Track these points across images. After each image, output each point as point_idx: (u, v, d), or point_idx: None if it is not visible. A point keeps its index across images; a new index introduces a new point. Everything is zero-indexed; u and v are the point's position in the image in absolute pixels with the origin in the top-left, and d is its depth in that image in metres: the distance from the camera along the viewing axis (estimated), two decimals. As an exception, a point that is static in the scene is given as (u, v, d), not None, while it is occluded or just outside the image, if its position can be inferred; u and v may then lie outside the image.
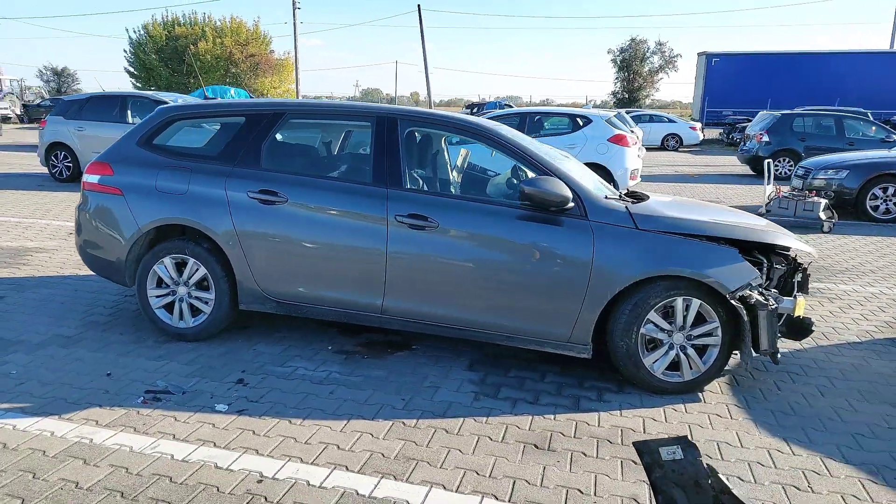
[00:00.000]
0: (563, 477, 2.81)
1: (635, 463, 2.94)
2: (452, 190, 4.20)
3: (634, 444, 3.10)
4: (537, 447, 3.05)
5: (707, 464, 2.91)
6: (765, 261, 3.90)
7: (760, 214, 9.42)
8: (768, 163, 10.13)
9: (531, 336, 3.76)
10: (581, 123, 10.62)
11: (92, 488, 2.61)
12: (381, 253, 3.81)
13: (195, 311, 4.17)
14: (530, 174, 3.88)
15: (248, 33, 43.39)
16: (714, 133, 30.92)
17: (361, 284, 3.89)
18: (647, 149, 25.43)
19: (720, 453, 3.06)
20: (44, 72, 42.75)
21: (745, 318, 3.54)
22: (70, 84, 52.36)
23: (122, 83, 41.85)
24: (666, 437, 3.18)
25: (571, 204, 3.67)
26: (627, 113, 25.80)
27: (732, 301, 3.51)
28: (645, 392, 3.67)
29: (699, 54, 33.55)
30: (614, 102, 54.39)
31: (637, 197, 4.31)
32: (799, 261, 4.10)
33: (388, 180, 3.89)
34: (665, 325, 3.63)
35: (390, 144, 3.95)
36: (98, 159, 4.32)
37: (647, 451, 3.03)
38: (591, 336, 3.68)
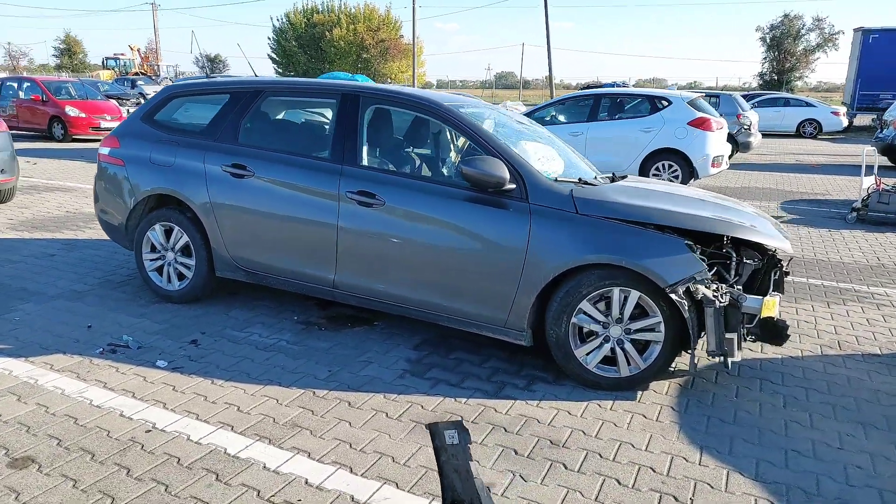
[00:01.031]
0: (431, 458, 2.78)
1: (515, 452, 2.84)
2: (407, 169, 4.19)
3: (427, 426, 3.01)
4: (427, 428, 3.03)
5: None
6: (734, 256, 3.56)
7: (854, 210, 8.44)
8: (869, 150, 9.02)
9: (470, 319, 3.70)
10: (660, 105, 10.02)
11: (8, 421, 2.95)
12: (333, 228, 3.91)
13: (181, 276, 4.51)
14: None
15: (380, 19, 44.89)
16: (867, 119, 27.74)
17: (316, 258, 4.02)
18: (780, 136, 23.44)
19: (615, 454, 2.87)
20: (199, 58, 47.18)
21: (687, 315, 3.26)
22: (221, 70, 57.14)
23: (266, 69, 44.93)
24: (449, 419, 3.06)
25: (511, 186, 3.55)
26: (751, 97, 23.91)
27: (672, 295, 3.25)
28: (580, 385, 3.50)
29: (855, 30, 30.00)
30: (759, 84, 50.34)
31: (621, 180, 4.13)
32: (777, 258, 3.71)
33: (345, 157, 3.97)
34: (599, 317, 3.44)
35: (351, 121, 4.03)
36: (111, 133, 4.78)
37: (436, 433, 2.93)
38: (528, 323, 3.56)
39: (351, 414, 3.13)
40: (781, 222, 8.04)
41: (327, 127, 4.21)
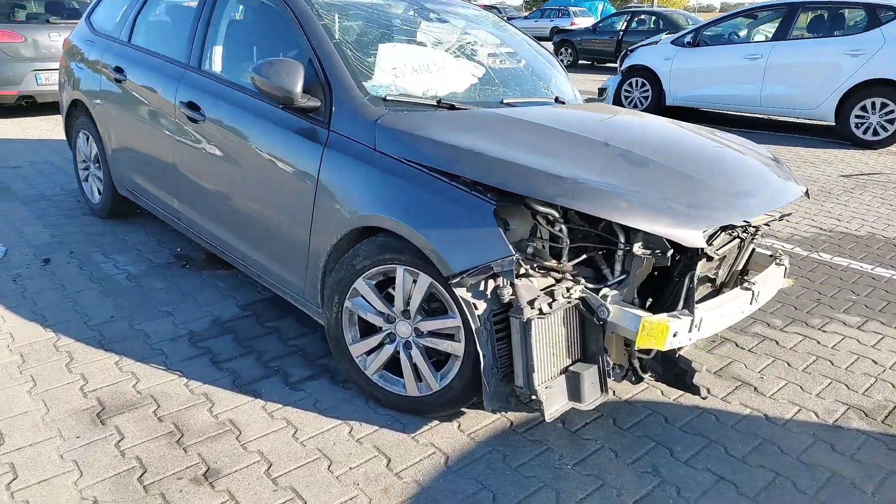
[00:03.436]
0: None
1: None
2: (243, 77, 3.20)
3: None
4: (101, 407, 2.31)
5: None
6: (622, 243, 2.13)
7: None
8: None
9: (274, 280, 2.80)
10: (882, 18, 7.21)
11: None
12: (171, 146, 3.24)
13: (101, 190, 4.22)
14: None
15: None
16: None
17: (164, 182, 3.39)
18: None
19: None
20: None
21: (477, 324, 2.01)
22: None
23: None
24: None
25: (312, 103, 2.49)
26: None
27: (457, 290, 2.01)
28: (363, 395, 2.45)
29: None
30: None
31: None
32: (692, 257, 2.15)
33: (190, 58, 3.22)
34: (380, 304, 2.31)
35: (206, 14, 3.23)
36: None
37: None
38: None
39: (43, 357, 2.52)
40: None
41: (192, 24, 3.44)
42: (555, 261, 2.11)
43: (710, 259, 2.15)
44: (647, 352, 2.21)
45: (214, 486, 1.98)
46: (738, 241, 2.38)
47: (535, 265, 2.08)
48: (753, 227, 2.53)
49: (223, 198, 2.95)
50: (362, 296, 2.32)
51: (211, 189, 3.02)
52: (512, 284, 2.01)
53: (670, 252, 2.07)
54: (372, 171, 2.29)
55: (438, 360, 2.28)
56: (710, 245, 2.14)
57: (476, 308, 2.01)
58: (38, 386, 2.44)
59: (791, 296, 3.52)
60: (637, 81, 9.53)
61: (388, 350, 2.32)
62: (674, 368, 2.29)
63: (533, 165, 2.08)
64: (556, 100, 3.06)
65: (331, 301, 2.40)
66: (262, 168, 2.68)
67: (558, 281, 2.11)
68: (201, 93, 3.03)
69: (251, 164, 2.74)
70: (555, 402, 2.08)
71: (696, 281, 2.12)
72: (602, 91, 10.10)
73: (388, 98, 2.51)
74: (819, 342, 3.02)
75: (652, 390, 2.56)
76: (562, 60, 17.43)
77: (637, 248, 2.09)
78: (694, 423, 2.38)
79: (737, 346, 2.96)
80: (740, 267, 2.67)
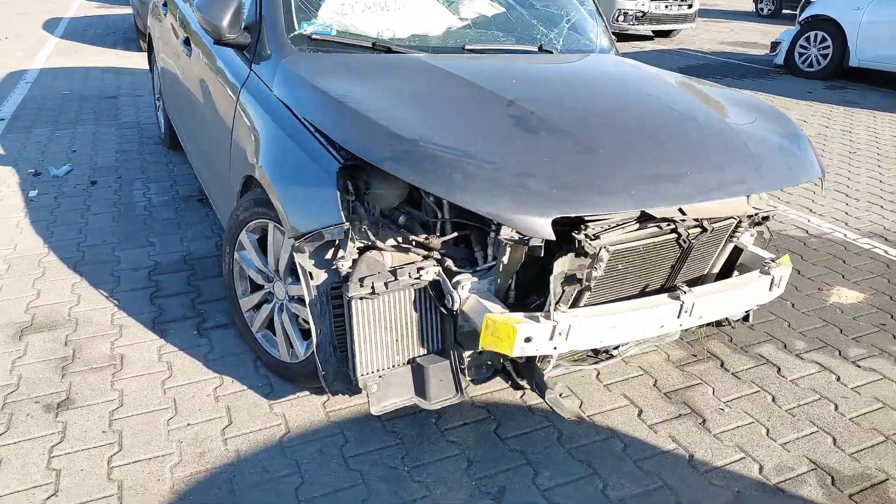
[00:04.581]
0: (-54, 360, 2.30)
1: None
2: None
3: None
4: (30, 324, 2.49)
5: None
6: (493, 225, 1.80)
7: None
8: None
9: (221, 219, 2.80)
10: None
11: None
12: (179, 82, 3.34)
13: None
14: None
15: None
16: None
17: (177, 114, 3.52)
18: None
19: (69, 454, 1.90)
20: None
21: (308, 292, 1.82)
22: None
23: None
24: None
25: (237, 38, 2.38)
26: None
27: (296, 256, 1.83)
28: (253, 352, 2.37)
29: None
30: None
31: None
32: (603, 249, 1.72)
33: (197, -5, 3.24)
34: (258, 262, 2.19)
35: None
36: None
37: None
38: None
39: None
40: None
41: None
42: (426, 236, 1.83)
43: (585, 254, 1.72)
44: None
45: (58, 416, 2.04)
46: (674, 236, 1.89)
47: (404, 238, 1.83)
48: (722, 219, 2.00)
49: (195, 132, 3.00)
50: (246, 249, 2.22)
51: (191, 124, 3.08)
52: (359, 257, 1.78)
53: (540, 241, 1.69)
54: (266, 117, 2.14)
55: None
56: (587, 236, 1.70)
57: (313, 278, 1.81)
58: (-2, 295, 2.69)
59: (851, 314, 2.80)
60: (816, 36, 8.09)
61: (266, 310, 2.21)
62: (532, 378, 1.92)
63: (384, 122, 1.79)
64: (541, 48, 2.63)
65: (225, 250, 2.33)
66: (211, 106, 2.65)
67: (425, 258, 1.83)
68: (193, 29, 3.05)
69: (206, 101, 2.73)
70: (391, 395, 1.85)
71: (558, 279, 1.72)
72: (774, 46, 8.74)
73: (314, 37, 2.31)
74: (839, 379, 2.37)
75: (579, 400, 2.18)
76: (761, 10, 15.39)
77: (503, 232, 1.73)
78: (590, 448, 1.99)
79: (721, 365, 2.43)
80: (705, 269, 2.15)
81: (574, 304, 1.85)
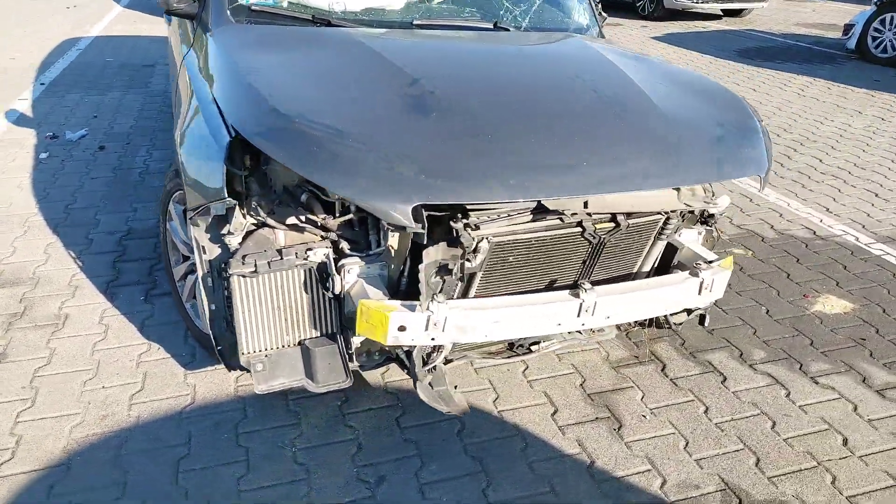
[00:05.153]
0: (-89, 309, 2.46)
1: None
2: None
3: None
4: None
5: None
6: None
7: None
8: None
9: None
10: None
11: None
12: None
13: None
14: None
15: None
16: None
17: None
18: None
19: (-16, 407, 2.00)
20: None
21: (200, 267, 1.83)
22: None
23: None
24: None
25: (183, 7, 2.40)
26: None
27: (190, 228, 1.84)
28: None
29: None
30: None
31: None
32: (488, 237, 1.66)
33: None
34: (182, 233, 2.21)
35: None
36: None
37: None
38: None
39: (-2, 245, 2.92)
40: None
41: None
42: (324, 217, 1.80)
43: (458, 245, 1.63)
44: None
45: (-13, 369, 2.15)
46: (578, 230, 1.77)
47: (301, 217, 1.80)
48: (645, 214, 1.87)
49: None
50: (174, 220, 2.25)
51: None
52: (249, 233, 1.77)
53: (418, 227, 1.62)
54: (189, 89, 2.17)
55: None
56: (466, 226, 1.62)
57: (206, 252, 1.82)
58: (-24, 251, 2.85)
59: (830, 325, 2.58)
60: (892, 18, 7.43)
61: (191, 280, 2.24)
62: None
63: (270, 97, 1.75)
64: (496, 26, 2.51)
65: (159, 219, 2.37)
66: (173, 77, 2.70)
67: (323, 239, 1.80)
68: None
69: (171, 73, 2.77)
70: (279, 376, 1.84)
71: (429, 268, 1.65)
72: (847, 29, 8.11)
73: (253, 8, 2.30)
74: (788, 395, 2.20)
75: (488, 392, 2.12)
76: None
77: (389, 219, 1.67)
78: (489, 445, 1.93)
79: (661, 369, 2.29)
80: (633, 267, 2.02)
81: (465, 295, 1.78)
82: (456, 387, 1.99)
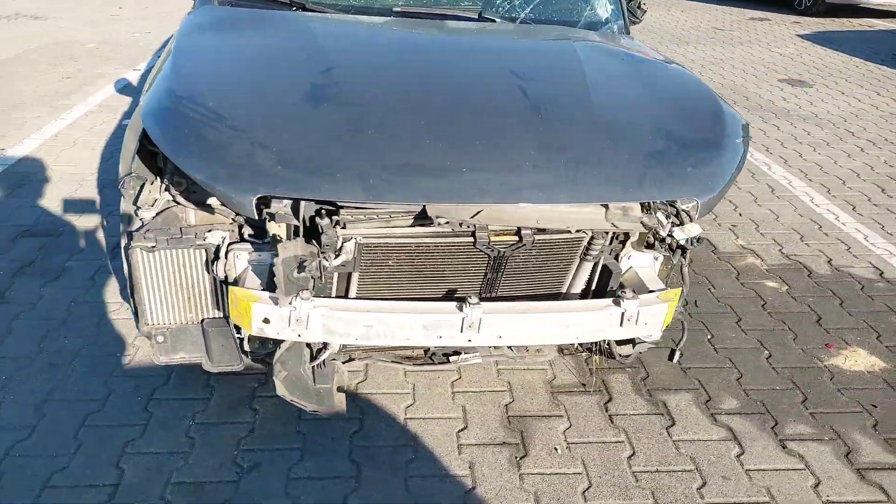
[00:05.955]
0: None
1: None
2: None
3: None
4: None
5: None
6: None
7: None
8: None
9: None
10: None
11: None
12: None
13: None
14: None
15: None
16: None
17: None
18: None
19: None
20: None
21: (123, 237, 1.93)
22: None
23: None
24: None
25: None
26: None
27: (122, 196, 1.95)
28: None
29: None
30: None
31: None
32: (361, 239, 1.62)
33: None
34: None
35: None
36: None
37: None
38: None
39: None
40: None
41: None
42: None
43: (318, 241, 1.57)
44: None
45: (-17, 307, 2.42)
46: (469, 240, 1.64)
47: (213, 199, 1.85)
48: (559, 231, 1.70)
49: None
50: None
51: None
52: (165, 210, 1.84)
53: (255, 215, 1.56)
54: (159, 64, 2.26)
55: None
56: (332, 223, 1.54)
57: (125, 222, 1.91)
58: None
59: (840, 384, 2.21)
60: None
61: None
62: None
63: (177, 77, 1.79)
64: (480, 16, 2.37)
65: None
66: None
67: (233, 222, 1.84)
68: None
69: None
70: (181, 350, 1.90)
71: (287, 263, 1.60)
72: None
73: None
74: (740, 455, 1.91)
75: (379, 394, 2.05)
76: None
77: (272, 206, 1.66)
78: (375, 452, 1.87)
79: (605, 402, 2.08)
80: (560, 287, 1.85)
81: (346, 294, 1.73)
82: (341, 388, 1.93)
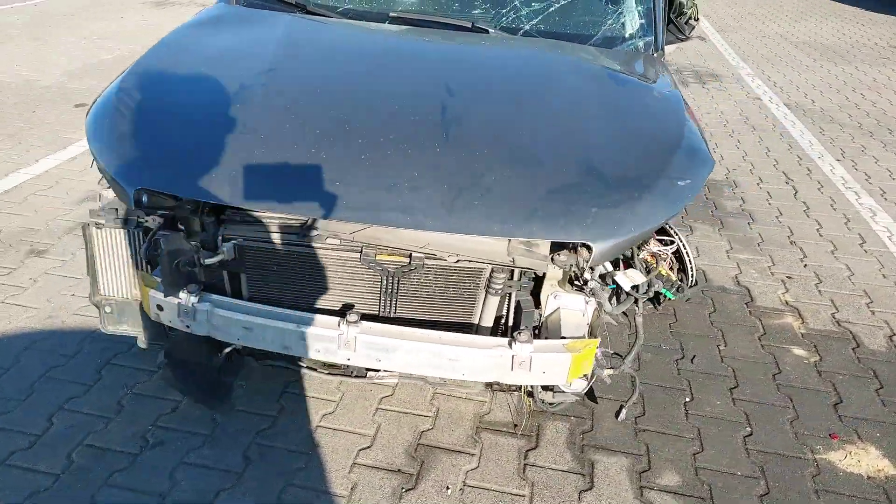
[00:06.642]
0: None
1: None
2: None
3: None
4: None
5: None
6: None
7: None
8: None
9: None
10: None
11: None
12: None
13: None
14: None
15: None
16: None
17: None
18: None
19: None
20: None
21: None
22: None
23: None
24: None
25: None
26: None
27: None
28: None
29: None
30: None
31: None
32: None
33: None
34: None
35: None
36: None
37: None
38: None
39: None
40: None
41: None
42: None
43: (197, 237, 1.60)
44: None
45: None
46: (354, 255, 1.59)
47: None
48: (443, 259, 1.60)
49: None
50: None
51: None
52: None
53: (132, 206, 1.64)
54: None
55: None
56: (217, 220, 1.57)
57: (101, 199, 2.09)
58: None
59: (827, 484, 1.86)
60: None
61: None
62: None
63: (146, 71, 1.90)
64: (473, 26, 2.26)
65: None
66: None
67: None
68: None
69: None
70: (125, 323, 2.03)
71: (170, 256, 1.63)
72: None
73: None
74: (652, 538, 1.67)
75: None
76: None
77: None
78: (268, 452, 1.88)
79: (528, 449, 1.92)
80: (470, 317, 1.75)
81: (237, 294, 1.75)
82: (243, 385, 1.94)
